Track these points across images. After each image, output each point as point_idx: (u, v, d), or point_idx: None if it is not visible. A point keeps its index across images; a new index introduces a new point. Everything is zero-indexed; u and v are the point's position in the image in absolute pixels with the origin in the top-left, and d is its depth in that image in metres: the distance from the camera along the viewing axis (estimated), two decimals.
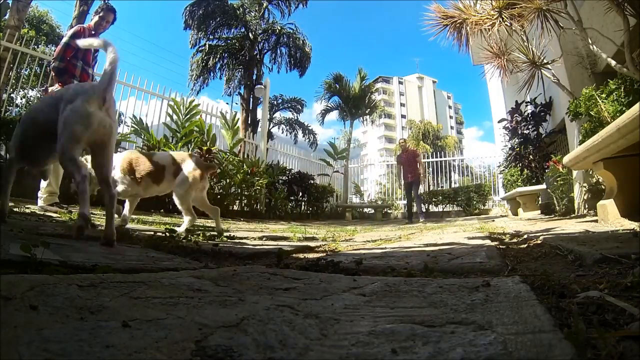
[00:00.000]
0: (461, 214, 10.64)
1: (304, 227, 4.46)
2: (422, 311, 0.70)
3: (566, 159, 3.59)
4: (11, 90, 6.84)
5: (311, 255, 1.92)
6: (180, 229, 2.63)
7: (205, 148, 6.33)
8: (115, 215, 1.75)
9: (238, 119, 9.08)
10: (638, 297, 0.75)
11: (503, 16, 4.21)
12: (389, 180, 14.15)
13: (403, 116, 60.96)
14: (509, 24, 4.29)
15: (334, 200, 11.78)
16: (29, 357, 0.42)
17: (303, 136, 18.38)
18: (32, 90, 8.68)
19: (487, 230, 3.33)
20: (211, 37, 16.19)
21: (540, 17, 3.99)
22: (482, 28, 4.47)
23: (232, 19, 15.82)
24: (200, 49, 16.18)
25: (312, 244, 2.44)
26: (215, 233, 2.68)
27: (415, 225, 5.49)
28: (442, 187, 13.09)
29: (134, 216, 3.85)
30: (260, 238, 2.73)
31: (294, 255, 1.93)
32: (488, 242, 2.25)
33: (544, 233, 2.45)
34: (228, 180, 6.74)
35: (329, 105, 15.33)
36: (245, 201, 7.60)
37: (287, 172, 9.61)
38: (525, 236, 2.45)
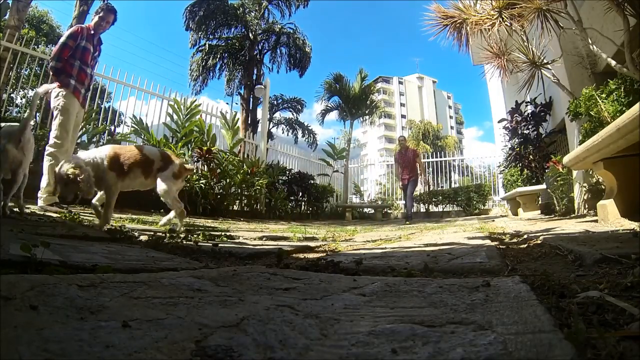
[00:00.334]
0: (461, 214, 10.64)
1: (304, 227, 4.46)
2: (422, 311, 0.70)
3: (566, 159, 3.59)
4: (11, 90, 6.84)
5: (311, 255, 1.92)
6: (167, 219, 2.79)
7: (205, 148, 6.34)
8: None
9: (238, 119, 9.08)
10: (638, 297, 0.75)
11: (503, 16, 4.21)
12: (389, 180, 14.14)
13: (403, 116, 60.98)
14: (509, 24, 4.29)
15: (334, 200, 11.78)
16: (29, 357, 0.42)
17: (303, 136, 18.38)
18: (32, 90, 8.69)
19: (487, 230, 3.33)
20: (211, 37, 16.21)
21: (540, 17, 3.99)
22: (482, 28, 4.47)
23: (232, 19, 15.83)
24: (200, 48, 16.20)
25: (312, 244, 2.44)
26: (217, 233, 2.67)
27: (415, 225, 5.47)
28: (442, 187, 13.09)
29: (134, 216, 3.85)
30: (260, 238, 2.73)
31: (294, 255, 1.93)
32: (488, 242, 2.25)
33: (544, 233, 2.45)
34: (228, 180, 6.74)
35: (329, 105, 15.32)
36: (245, 201, 7.60)
37: (287, 172, 9.61)
38: (525, 236, 2.44)
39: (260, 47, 16.83)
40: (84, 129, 5.46)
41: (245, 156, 8.94)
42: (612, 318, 0.64)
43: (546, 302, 0.74)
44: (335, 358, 0.48)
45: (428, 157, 13.15)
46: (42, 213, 3.05)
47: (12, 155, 2.23)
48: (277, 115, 19.18)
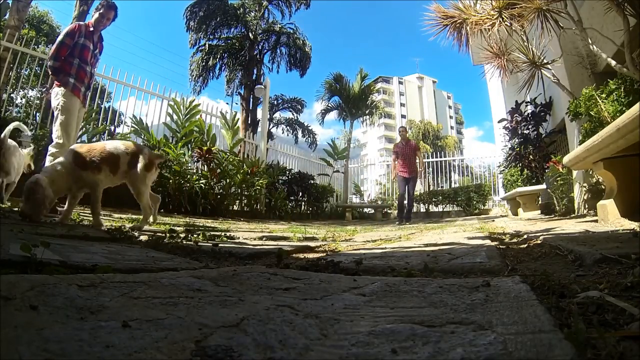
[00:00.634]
0: (461, 214, 10.64)
1: (304, 227, 4.46)
2: (422, 311, 0.70)
3: (566, 159, 3.59)
4: (11, 90, 6.84)
5: (311, 255, 1.92)
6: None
7: (205, 148, 6.35)
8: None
9: (238, 119, 9.09)
10: (638, 297, 0.75)
11: (503, 16, 4.21)
12: (389, 180, 14.14)
13: (403, 116, 60.95)
14: (509, 24, 4.29)
15: (334, 200, 11.78)
16: (29, 357, 0.42)
17: (303, 136, 18.38)
18: (32, 90, 8.68)
19: (487, 230, 3.33)
20: (211, 37, 16.22)
21: (540, 17, 3.99)
22: (482, 28, 4.47)
23: (232, 19, 15.84)
24: (200, 48, 16.20)
25: (312, 244, 2.44)
26: (217, 233, 2.67)
27: (415, 225, 5.47)
28: (442, 187, 13.09)
29: (134, 216, 3.85)
30: (260, 238, 2.73)
31: (294, 255, 1.93)
32: (488, 242, 2.25)
33: (544, 233, 2.45)
34: (228, 180, 6.74)
35: (329, 105, 15.33)
36: (245, 201, 7.60)
37: (287, 172, 9.62)
38: (525, 236, 2.44)
39: (260, 47, 16.83)
40: (84, 128, 5.46)
41: (245, 156, 8.94)
42: (612, 318, 0.64)
43: (546, 302, 0.74)
44: (335, 358, 0.48)
45: (428, 157, 13.15)
46: None
47: None
48: (277, 115, 19.19)
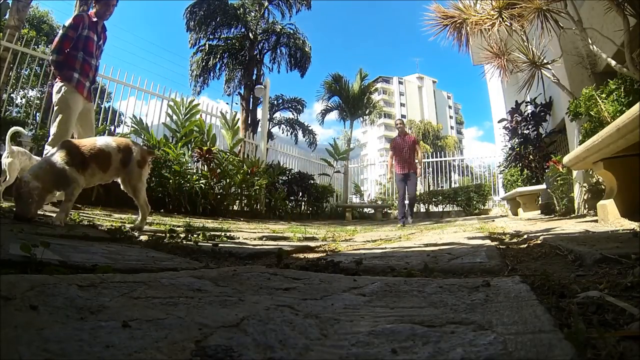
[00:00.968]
0: (461, 214, 10.64)
1: (304, 227, 4.46)
2: (422, 311, 0.70)
3: (566, 159, 3.59)
4: (11, 90, 6.85)
5: (311, 255, 1.92)
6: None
7: (205, 148, 6.35)
8: None
9: (238, 119, 9.09)
10: (638, 297, 0.75)
11: (503, 16, 4.21)
12: (389, 180, 14.14)
13: (403, 116, 60.76)
14: (509, 24, 4.29)
15: (334, 200, 11.78)
16: (29, 357, 0.42)
17: (303, 136, 18.39)
18: (32, 90, 8.69)
19: (487, 230, 3.33)
20: (211, 37, 16.23)
21: (540, 17, 3.99)
22: (482, 28, 4.47)
23: (233, 19, 15.84)
24: (200, 48, 16.21)
25: (312, 244, 2.44)
26: (217, 233, 2.67)
27: (415, 225, 5.46)
28: (442, 187, 13.09)
29: (134, 216, 3.85)
30: (260, 238, 2.73)
31: (294, 255, 1.93)
32: (488, 242, 2.25)
33: (544, 233, 2.45)
34: (228, 180, 6.74)
35: (329, 105, 15.35)
36: (245, 201, 7.60)
37: (287, 172, 9.62)
38: (525, 236, 2.44)
39: (260, 47, 16.84)
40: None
41: (245, 156, 8.94)
42: (612, 318, 0.64)
43: (546, 302, 0.74)
44: (335, 358, 0.48)
45: (428, 157, 13.14)
46: (41, 213, 3.05)
47: None
48: (277, 115, 19.20)
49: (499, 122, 8.61)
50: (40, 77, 7.40)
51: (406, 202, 6.48)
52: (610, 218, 2.70)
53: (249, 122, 15.78)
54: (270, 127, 17.57)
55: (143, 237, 2.16)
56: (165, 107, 7.09)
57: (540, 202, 6.53)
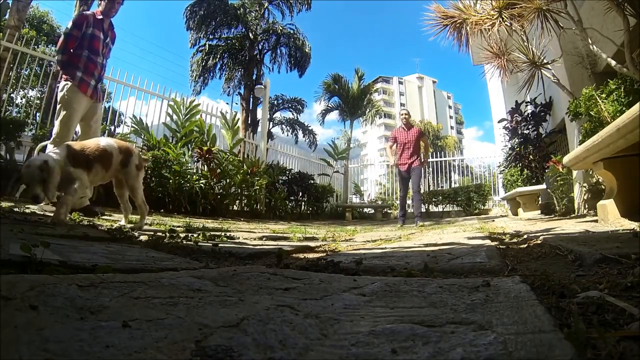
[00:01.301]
0: (461, 214, 10.64)
1: (304, 227, 4.46)
2: (422, 311, 0.70)
3: (566, 159, 3.58)
4: (11, 90, 6.84)
5: (311, 255, 1.92)
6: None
7: (205, 148, 6.35)
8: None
9: (238, 119, 9.09)
10: (638, 297, 0.75)
11: (503, 16, 4.21)
12: (389, 180, 14.15)
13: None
14: (509, 24, 4.29)
15: (334, 200, 11.78)
16: (29, 357, 0.42)
17: (303, 136, 18.42)
18: (32, 90, 8.69)
19: (487, 230, 3.33)
20: (211, 37, 16.24)
21: (540, 17, 3.99)
22: (482, 28, 4.47)
23: (233, 19, 15.85)
24: (200, 49, 16.22)
25: (312, 244, 2.44)
26: (217, 233, 2.67)
27: (415, 225, 5.42)
28: (442, 187, 13.09)
29: (133, 216, 3.85)
30: (260, 238, 2.73)
31: (294, 255, 1.93)
32: (488, 242, 2.25)
33: (544, 233, 2.45)
34: (228, 180, 6.74)
35: (329, 105, 15.35)
36: (245, 201, 7.60)
37: (287, 172, 9.62)
38: (525, 236, 2.44)
39: (260, 47, 16.85)
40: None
41: (245, 156, 8.94)
42: (612, 318, 0.64)
43: (546, 302, 0.74)
44: (335, 358, 0.48)
45: (428, 157, 13.14)
46: (42, 213, 3.05)
47: None
48: (277, 115, 19.21)
49: (499, 122, 8.61)
50: (40, 77, 7.40)
51: (409, 201, 6.15)
52: (610, 218, 2.70)
53: (249, 122, 15.80)
54: (270, 127, 17.58)
55: (143, 237, 2.16)
56: (166, 107, 7.08)
57: (540, 202, 6.53)
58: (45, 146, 3.40)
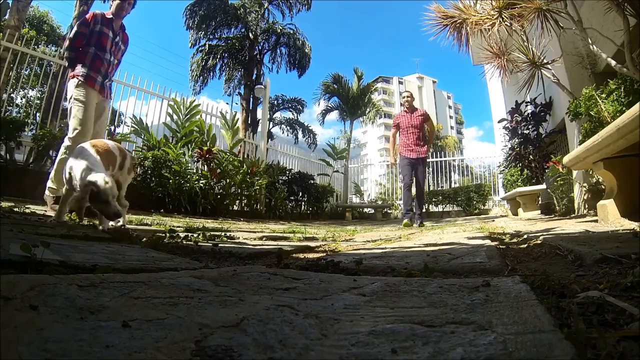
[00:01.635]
0: (461, 214, 10.65)
1: (304, 227, 4.46)
2: (422, 311, 0.70)
3: (566, 159, 3.59)
4: (11, 90, 6.84)
5: (311, 255, 1.92)
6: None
7: (205, 148, 6.35)
8: None
9: (238, 119, 9.08)
10: (638, 297, 0.75)
11: (503, 16, 4.21)
12: (389, 180, 14.14)
13: None
14: (509, 24, 4.29)
15: (334, 200, 11.78)
16: (29, 357, 0.42)
17: (303, 136, 18.42)
18: (32, 90, 8.69)
19: (487, 230, 3.33)
20: (211, 37, 16.25)
21: (540, 17, 3.99)
22: (482, 28, 4.46)
23: (233, 19, 15.86)
24: (200, 48, 16.23)
25: (312, 244, 2.44)
26: (217, 233, 2.67)
27: (414, 225, 5.36)
28: (442, 187, 13.09)
29: (134, 216, 3.85)
30: (260, 238, 2.73)
31: (294, 255, 1.93)
32: (488, 242, 2.25)
33: (544, 233, 2.45)
34: (228, 180, 6.74)
35: (329, 105, 15.37)
36: (245, 201, 7.60)
37: (287, 172, 9.61)
38: (525, 236, 2.44)
39: (260, 47, 16.86)
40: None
41: (245, 156, 8.93)
42: (612, 318, 0.64)
43: (546, 302, 0.74)
44: (335, 358, 0.48)
45: (428, 157, 13.13)
46: (42, 213, 3.05)
47: None
48: (277, 115, 19.23)
49: (499, 122, 8.60)
50: (40, 77, 7.40)
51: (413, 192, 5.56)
52: (610, 218, 2.70)
53: (249, 122, 15.80)
54: (270, 127, 17.59)
55: (143, 237, 2.16)
56: (166, 107, 7.08)
57: (540, 202, 6.53)
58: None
